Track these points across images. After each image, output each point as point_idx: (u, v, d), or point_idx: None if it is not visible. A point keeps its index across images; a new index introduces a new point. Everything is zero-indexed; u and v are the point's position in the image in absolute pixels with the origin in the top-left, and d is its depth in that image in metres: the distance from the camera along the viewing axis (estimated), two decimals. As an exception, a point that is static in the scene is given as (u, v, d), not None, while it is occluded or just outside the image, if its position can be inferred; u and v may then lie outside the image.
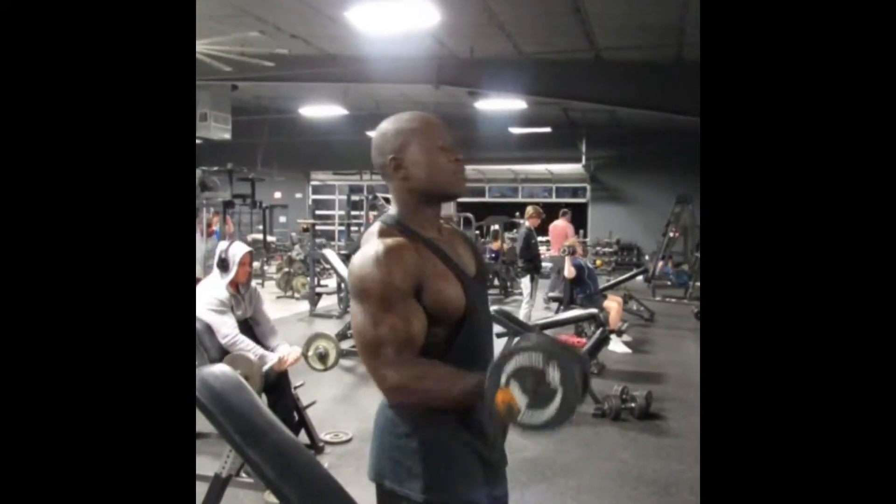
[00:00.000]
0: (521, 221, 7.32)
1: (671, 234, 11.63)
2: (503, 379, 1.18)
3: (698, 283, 10.24)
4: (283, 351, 3.48)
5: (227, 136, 10.87)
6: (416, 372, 1.23)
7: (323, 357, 3.75)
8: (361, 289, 1.24)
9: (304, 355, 3.52)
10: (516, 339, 1.30)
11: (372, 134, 1.45)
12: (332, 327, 7.13)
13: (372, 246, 1.26)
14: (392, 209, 1.38)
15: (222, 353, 3.28)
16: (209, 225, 7.02)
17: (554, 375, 1.16)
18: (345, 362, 5.97)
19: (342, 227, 14.07)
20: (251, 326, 3.56)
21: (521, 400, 1.17)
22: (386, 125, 1.36)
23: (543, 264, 7.72)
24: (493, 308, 3.61)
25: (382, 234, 1.30)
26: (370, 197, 9.37)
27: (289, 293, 10.23)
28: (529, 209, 7.34)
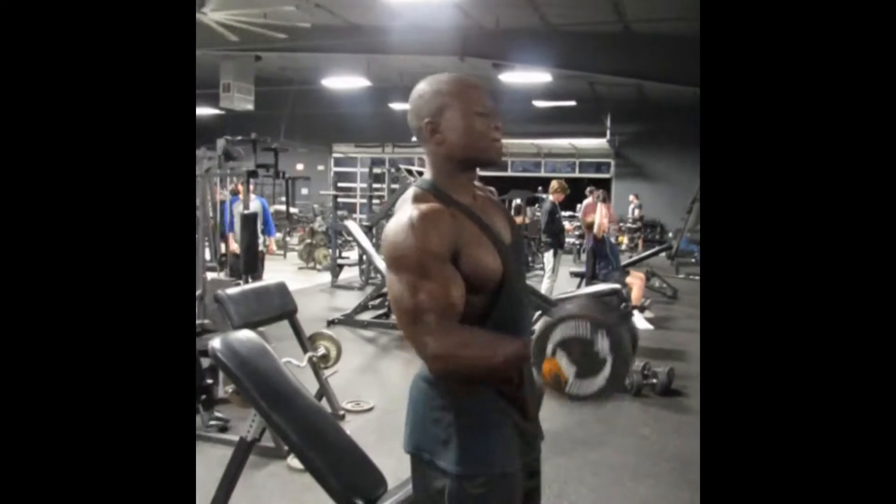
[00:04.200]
0: (545, 196, 7.25)
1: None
2: (549, 349, 1.14)
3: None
4: None
5: (250, 106, 10.87)
6: (459, 339, 1.19)
7: (325, 357, 3.83)
8: (397, 256, 1.20)
9: (311, 358, 3.57)
10: (561, 306, 1.24)
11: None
12: (353, 299, 7.18)
13: (406, 212, 1.21)
14: (427, 174, 1.34)
15: (245, 321, 3.31)
16: (236, 192, 7.09)
17: (603, 344, 1.11)
18: (366, 333, 6.02)
19: (364, 200, 14.09)
20: None
21: (568, 370, 1.13)
22: (423, 86, 1.31)
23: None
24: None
25: (417, 199, 1.25)
26: (392, 170, 9.35)
27: (311, 265, 10.32)
28: (554, 184, 7.27)
